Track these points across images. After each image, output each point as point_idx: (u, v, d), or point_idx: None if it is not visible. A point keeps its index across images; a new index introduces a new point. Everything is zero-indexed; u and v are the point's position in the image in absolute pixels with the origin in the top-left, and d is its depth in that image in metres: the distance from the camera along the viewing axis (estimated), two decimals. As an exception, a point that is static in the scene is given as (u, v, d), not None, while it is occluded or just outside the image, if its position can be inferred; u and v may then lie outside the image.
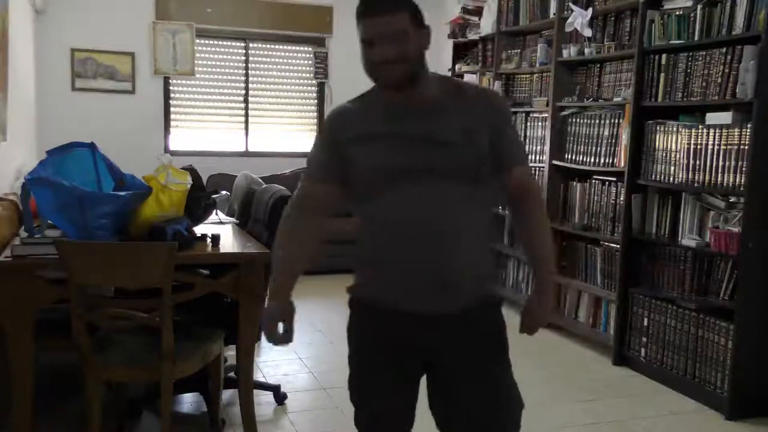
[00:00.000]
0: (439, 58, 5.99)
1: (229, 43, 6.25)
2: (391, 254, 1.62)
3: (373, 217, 1.65)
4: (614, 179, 3.97)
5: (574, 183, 4.35)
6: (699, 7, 3.35)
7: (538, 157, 4.64)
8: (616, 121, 3.96)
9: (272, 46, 6.37)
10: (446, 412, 1.72)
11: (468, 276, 1.63)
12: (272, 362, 3.75)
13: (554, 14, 4.45)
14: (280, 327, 1.74)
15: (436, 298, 1.62)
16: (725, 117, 3.23)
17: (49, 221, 2.63)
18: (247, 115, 6.36)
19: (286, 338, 1.73)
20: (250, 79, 6.33)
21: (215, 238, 2.69)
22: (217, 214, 3.18)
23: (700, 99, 3.35)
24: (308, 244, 1.75)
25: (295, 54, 6.46)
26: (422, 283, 1.61)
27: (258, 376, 3.38)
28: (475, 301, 1.65)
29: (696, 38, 3.37)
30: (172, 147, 6.07)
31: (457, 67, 5.67)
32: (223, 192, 3.18)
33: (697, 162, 3.33)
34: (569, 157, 4.35)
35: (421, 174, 1.57)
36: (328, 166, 1.69)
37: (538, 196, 1.80)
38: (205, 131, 6.26)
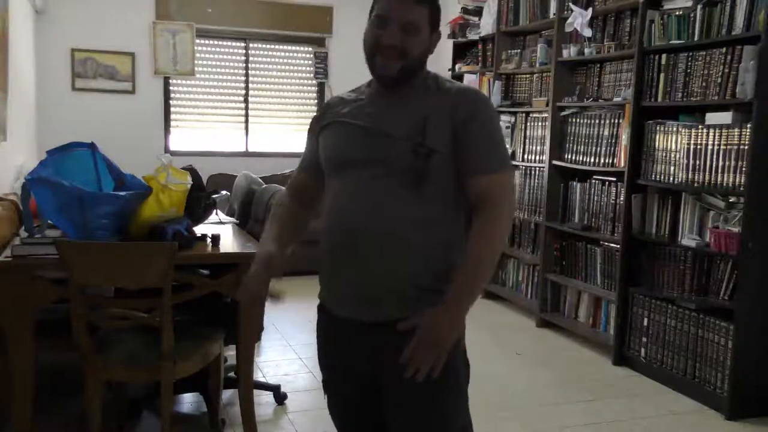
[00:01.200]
0: (439, 58, 5.99)
1: (229, 43, 6.24)
2: (328, 251, 1.55)
3: (324, 209, 1.60)
4: (614, 179, 3.97)
5: (574, 183, 4.35)
6: (699, 7, 3.35)
7: (538, 157, 4.65)
8: (616, 121, 3.96)
9: (272, 46, 6.37)
10: None
11: (395, 284, 1.48)
12: (272, 362, 3.74)
13: (554, 14, 4.45)
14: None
15: (363, 306, 1.51)
16: (725, 117, 3.23)
17: (49, 221, 2.63)
18: (247, 115, 6.36)
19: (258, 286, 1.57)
20: (250, 79, 6.33)
21: (215, 238, 2.69)
22: (217, 214, 3.18)
23: (700, 99, 3.35)
24: (295, 221, 1.71)
25: (295, 54, 6.46)
26: (348, 286, 1.53)
27: (258, 376, 3.38)
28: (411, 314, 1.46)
29: (696, 38, 3.37)
30: (172, 147, 6.07)
31: (457, 67, 5.67)
32: (223, 192, 3.18)
33: (697, 162, 3.33)
34: (569, 157, 4.35)
35: (358, 166, 1.50)
36: (309, 156, 1.69)
37: (495, 218, 1.46)
38: (205, 131, 6.26)
